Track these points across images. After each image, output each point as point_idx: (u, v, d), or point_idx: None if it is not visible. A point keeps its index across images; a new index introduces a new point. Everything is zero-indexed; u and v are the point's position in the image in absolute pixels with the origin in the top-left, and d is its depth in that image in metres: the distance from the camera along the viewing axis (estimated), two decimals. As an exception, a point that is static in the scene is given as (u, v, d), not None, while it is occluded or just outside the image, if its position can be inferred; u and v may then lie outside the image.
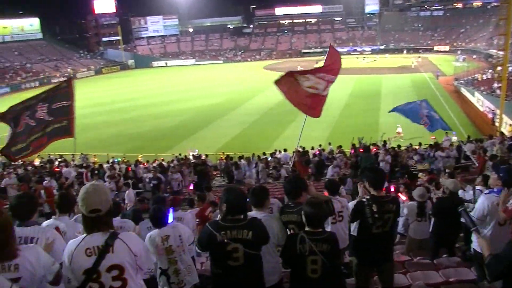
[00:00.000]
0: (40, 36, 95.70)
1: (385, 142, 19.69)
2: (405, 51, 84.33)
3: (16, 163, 22.31)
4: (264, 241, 3.70)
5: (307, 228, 3.75)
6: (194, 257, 6.64)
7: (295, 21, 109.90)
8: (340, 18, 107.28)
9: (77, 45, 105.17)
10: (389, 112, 13.81)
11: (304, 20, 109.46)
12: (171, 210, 5.17)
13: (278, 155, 19.85)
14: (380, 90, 45.34)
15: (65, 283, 3.19)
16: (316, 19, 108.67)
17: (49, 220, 4.78)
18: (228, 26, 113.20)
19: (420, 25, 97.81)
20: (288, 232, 4.17)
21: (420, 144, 20.72)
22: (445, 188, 6.52)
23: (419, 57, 73.45)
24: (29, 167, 20.28)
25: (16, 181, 14.52)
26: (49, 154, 23.49)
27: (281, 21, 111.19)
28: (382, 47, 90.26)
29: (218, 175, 19.81)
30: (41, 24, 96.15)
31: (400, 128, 25.86)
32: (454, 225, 6.11)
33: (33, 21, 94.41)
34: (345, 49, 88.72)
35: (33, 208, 3.95)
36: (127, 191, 12.52)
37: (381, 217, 4.35)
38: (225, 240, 3.52)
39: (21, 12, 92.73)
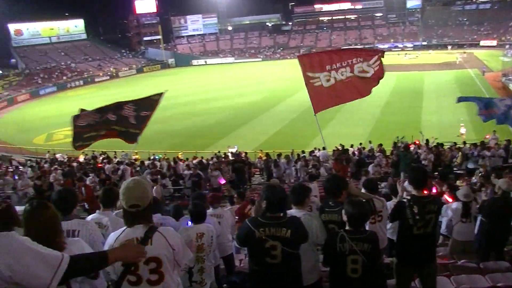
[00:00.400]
0: (84, 36, 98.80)
1: (427, 140, 19.21)
2: (449, 47, 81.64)
3: (62, 159, 23.19)
4: (302, 240, 3.70)
5: (347, 227, 3.72)
6: (233, 253, 6.71)
7: (334, 17, 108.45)
8: (381, 14, 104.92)
9: (119, 44, 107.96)
10: (457, 102, 12.78)
11: (344, 17, 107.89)
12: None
13: (317, 153, 19.72)
14: (422, 87, 44.21)
15: (105, 276, 3.29)
16: (356, 15, 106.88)
17: (94, 214, 4.94)
18: (267, 23, 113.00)
19: (465, 19, 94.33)
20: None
21: (464, 142, 20.11)
22: (497, 187, 6.24)
23: (464, 52, 71.08)
24: (74, 164, 20.95)
25: (61, 177, 15.09)
26: (93, 151, 24.20)
27: (321, 18, 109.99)
28: (425, 43, 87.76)
29: (258, 172, 19.88)
30: (85, 25, 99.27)
31: (463, 129, 24.40)
32: (505, 227, 5.87)
33: (78, 22, 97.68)
34: (386, 46, 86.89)
35: (74, 202, 4.12)
36: (154, 187, 12.73)
37: (422, 218, 4.26)
38: (264, 237, 3.53)
39: (66, 14, 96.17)
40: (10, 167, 20.87)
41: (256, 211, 5.42)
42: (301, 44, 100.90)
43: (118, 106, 9.77)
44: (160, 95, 10.20)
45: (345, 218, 3.75)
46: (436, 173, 13.34)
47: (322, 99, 8.59)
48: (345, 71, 8.32)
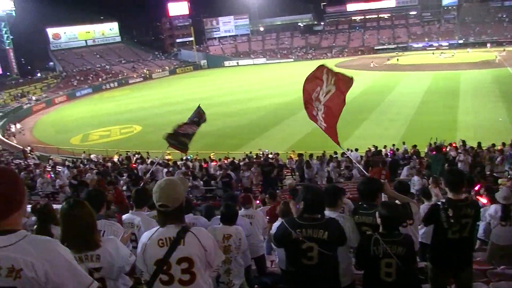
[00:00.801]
0: (118, 39, 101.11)
1: (464, 141, 18.71)
2: (488, 45, 79.23)
3: (96, 160, 23.75)
4: (340, 242, 3.67)
5: (381, 230, 3.65)
6: (264, 254, 6.69)
7: (367, 16, 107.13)
8: (415, 12, 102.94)
9: (153, 46, 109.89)
10: None
11: (376, 16, 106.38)
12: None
13: (349, 155, 19.45)
14: (459, 86, 43.06)
15: (139, 274, 3.33)
16: (389, 14, 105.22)
17: (126, 214, 5.02)
18: (299, 24, 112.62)
19: (504, 16, 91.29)
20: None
21: (503, 144, 19.47)
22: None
23: (503, 50, 68.96)
24: (109, 164, 21.37)
25: (96, 177, 15.41)
26: (127, 151, 24.69)
27: (353, 17, 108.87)
28: (461, 41, 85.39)
29: (289, 173, 19.79)
30: (119, 28, 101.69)
31: None
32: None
33: (112, 25, 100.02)
34: (420, 45, 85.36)
35: (101, 202, 4.19)
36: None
37: (457, 222, 4.13)
38: (300, 238, 3.51)
39: (102, 18, 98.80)
40: (48, 167, 21.51)
41: (282, 212, 5.40)
42: (333, 44, 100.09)
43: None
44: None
45: (379, 220, 3.68)
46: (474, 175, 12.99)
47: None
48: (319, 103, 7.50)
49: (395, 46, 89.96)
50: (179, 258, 2.90)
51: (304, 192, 3.71)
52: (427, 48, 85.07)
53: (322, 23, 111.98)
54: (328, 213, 4.01)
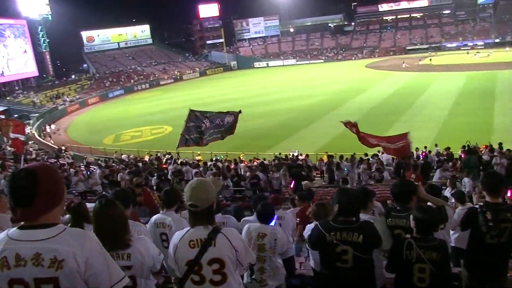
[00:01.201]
0: (150, 41, 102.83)
1: (500, 144, 18.17)
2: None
3: (128, 160, 24.16)
4: (375, 245, 3.62)
5: (415, 234, 3.57)
6: (293, 256, 6.64)
7: (399, 16, 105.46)
8: (449, 11, 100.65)
9: (183, 48, 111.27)
10: None
11: (409, 15, 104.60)
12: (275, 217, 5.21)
13: (380, 157, 19.19)
14: (495, 87, 41.82)
15: (169, 273, 3.36)
16: (422, 14, 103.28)
17: (157, 214, 5.06)
18: (329, 24, 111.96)
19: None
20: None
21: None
22: None
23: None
24: (140, 164, 21.69)
25: (127, 176, 15.64)
26: (157, 151, 25.02)
27: (385, 17, 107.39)
28: (497, 40, 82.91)
29: (318, 175, 19.65)
30: (151, 30, 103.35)
31: None
32: None
33: (144, 28, 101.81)
34: (454, 44, 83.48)
35: (128, 202, 4.24)
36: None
37: (496, 226, 3.98)
38: (335, 241, 3.47)
39: (134, 20, 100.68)
40: (82, 166, 21.99)
41: (314, 213, 5.34)
42: (364, 44, 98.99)
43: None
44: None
45: (413, 224, 3.59)
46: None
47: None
48: None
49: (427, 46, 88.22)
50: (210, 259, 2.91)
51: (339, 195, 3.67)
52: (461, 48, 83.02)
53: (353, 24, 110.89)
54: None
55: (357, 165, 17.42)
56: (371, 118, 32.43)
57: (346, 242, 3.46)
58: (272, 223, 5.00)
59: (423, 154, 19.30)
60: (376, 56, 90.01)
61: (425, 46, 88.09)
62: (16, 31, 65.03)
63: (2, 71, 60.32)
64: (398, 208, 4.15)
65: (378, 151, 20.55)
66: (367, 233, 3.50)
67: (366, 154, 19.57)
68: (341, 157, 18.35)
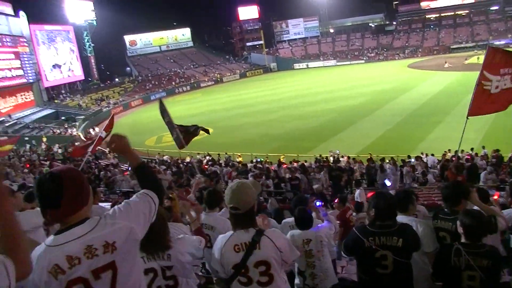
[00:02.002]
0: (191, 44, 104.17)
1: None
2: None
3: (169, 161, 24.54)
4: (415, 248, 3.53)
5: (463, 240, 3.43)
6: (335, 260, 6.55)
7: (443, 14, 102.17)
8: (497, 7, 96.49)
9: (223, 50, 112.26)
10: None
11: (453, 13, 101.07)
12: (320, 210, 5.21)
13: (424, 159, 18.71)
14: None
15: (213, 273, 3.38)
16: (467, 11, 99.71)
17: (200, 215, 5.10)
18: (370, 24, 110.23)
19: None
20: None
21: None
22: None
23: None
24: (181, 165, 22.02)
25: (170, 177, 15.93)
26: (198, 153, 25.31)
27: (427, 16, 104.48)
28: (549, 37, 79.10)
29: (359, 178, 19.31)
30: (191, 33, 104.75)
31: None
32: None
33: (185, 31, 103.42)
34: (503, 42, 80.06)
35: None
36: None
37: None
38: (373, 247, 3.39)
39: (175, 24, 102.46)
40: (125, 166, 22.52)
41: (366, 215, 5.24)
42: (406, 44, 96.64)
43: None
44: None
45: (460, 230, 3.45)
46: None
47: (481, 105, 8.27)
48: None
49: (473, 44, 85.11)
50: (256, 262, 2.94)
51: (375, 198, 3.60)
52: (511, 45, 79.81)
53: (394, 23, 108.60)
54: (400, 218, 3.87)
55: (400, 168, 17.05)
56: (414, 119, 31.72)
57: (385, 246, 3.39)
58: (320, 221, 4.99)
59: (469, 156, 18.61)
60: (419, 55, 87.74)
61: (471, 45, 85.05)
62: (64, 36, 67.50)
63: (56, 75, 62.71)
64: (445, 210, 4.03)
65: (422, 153, 20.07)
66: (406, 236, 3.43)
67: (409, 156, 19.16)
68: (383, 159, 17.98)
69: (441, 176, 15.79)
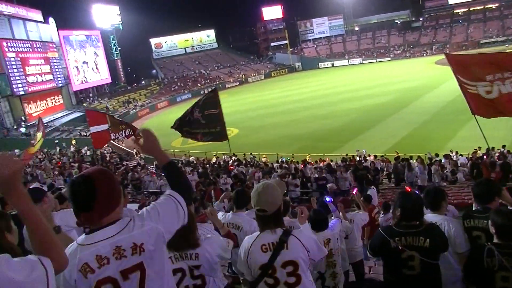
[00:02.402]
0: (215, 45, 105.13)
1: None
2: None
3: (195, 161, 24.74)
4: (443, 248, 3.44)
5: (496, 240, 3.32)
6: (363, 260, 6.49)
7: (471, 8, 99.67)
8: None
9: (248, 51, 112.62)
10: None
11: (482, 7, 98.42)
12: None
13: (454, 157, 18.31)
14: None
15: (239, 275, 3.38)
16: (497, 4, 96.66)
17: (228, 214, 5.13)
18: (396, 21, 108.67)
19: None
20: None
21: None
22: None
23: None
24: (208, 166, 22.14)
25: (197, 178, 16.06)
26: (223, 153, 25.42)
27: (455, 11, 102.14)
28: None
29: (386, 177, 19.09)
30: (216, 35, 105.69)
31: None
32: None
33: (209, 32, 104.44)
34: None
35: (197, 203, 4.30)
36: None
37: None
38: (400, 247, 3.33)
39: (199, 26, 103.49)
40: (153, 168, 22.85)
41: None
42: (434, 40, 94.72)
43: (190, 111, 11.20)
44: (213, 91, 11.83)
45: (492, 229, 3.35)
46: None
47: (481, 106, 7.94)
48: None
49: (505, 38, 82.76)
50: (284, 262, 2.92)
51: (400, 198, 3.53)
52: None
53: (421, 19, 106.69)
54: (432, 216, 3.80)
55: (428, 166, 16.72)
56: (442, 117, 31.11)
57: (412, 247, 3.32)
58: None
59: (500, 153, 18.08)
60: (448, 51, 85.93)
61: (502, 39, 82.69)
62: (91, 41, 68.92)
63: (83, 79, 64.11)
64: (478, 208, 3.91)
65: (451, 151, 19.67)
66: (434, 236, 3.35)
67: (437, 155, 18.80)
68: (410, 158, 17.68)
69: (472, 174, 15.43)
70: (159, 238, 2.27)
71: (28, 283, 1.70)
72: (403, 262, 3.36)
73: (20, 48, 48.94)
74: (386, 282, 3.65)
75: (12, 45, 47.44)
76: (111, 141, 15.58)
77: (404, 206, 3.44)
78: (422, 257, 3.30)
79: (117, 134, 15.98)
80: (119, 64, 79.18)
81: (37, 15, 54.82)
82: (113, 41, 77.20)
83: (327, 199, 5.73)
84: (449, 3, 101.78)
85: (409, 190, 6.21)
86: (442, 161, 17.55)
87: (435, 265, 3.41)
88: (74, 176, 2.29)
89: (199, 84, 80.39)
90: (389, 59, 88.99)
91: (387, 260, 3.56)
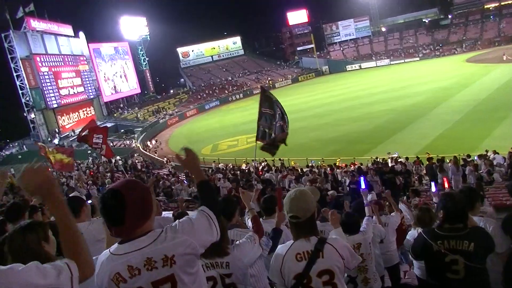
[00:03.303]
0: (241, 52, 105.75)
1: None
2: None
3: (223, 167, 24.82)
4: (488, 252, 3.32)
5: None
6: (398, 264, 6.35)
7: (503, 3, 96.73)
8: None
9: (274, 56, 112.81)
10: None
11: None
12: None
13: (490, 157, 17.74)
14: None
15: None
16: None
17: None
18: (423, 20, 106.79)
19: None
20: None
21: None
22: None
23: None
24: (238, 172, 22.21)
25: (228, 184, 16.14)
26: (253, 159, 25.44)
27: (486, 6, 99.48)
28: None
29: (417, 180, 18.67)
30: (242, 41, 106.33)
31: None
32: None
33: (235, 39, 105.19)
34: None
35: (231, 211, 4.25)
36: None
37: None
38: (443, 251, 3.23)
39: (225, 33, 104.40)
40: (183, 176, 23.07)
41: (418, 218, 5.01)
42: (464, 37, 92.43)
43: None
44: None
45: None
46: None
47: None
48: None
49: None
50: (319, 271, 2.87)
51: (444, 200, 3.43)
52: None
53: (450, 16, 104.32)
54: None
55: (462, 167, 16.27)
56: (476, 115, 30.29)
57: (455, 251, 3.22)
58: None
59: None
60: (478, 48, 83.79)
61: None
62: (121, 53, 70.43)
63: (113, 90, 65.54)
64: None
65: (487, 150, 19.12)
66: (479, 240, 3.23)
67: (469, 156, 18.25)
68: (443, 158, 17.24)
69: (510, 174, 14.95)
70: (190, 251, 2.26)
71: (56, 285, 1.85)
72: (446, 266, 3.27)
73: (53, 63, 50.52)
74: (428, 286, 3.54)
75: (45, 60, 49.03)
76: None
77: (447, 208, 3.35)
78: (466, 261, 3.20)
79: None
80: (148, 74, 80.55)
81: (68, 29, 56.47)
82: (141, 52, 78.67)
83: (363, 185, 5.60)
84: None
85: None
86: (475, 159, 17.06)
87: (482, 269, 3.29)
88: (104, 191, 2.31)
89: (226, 91, 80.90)
90: (417, 59, 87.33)
91: (430, 264, 3.47)
